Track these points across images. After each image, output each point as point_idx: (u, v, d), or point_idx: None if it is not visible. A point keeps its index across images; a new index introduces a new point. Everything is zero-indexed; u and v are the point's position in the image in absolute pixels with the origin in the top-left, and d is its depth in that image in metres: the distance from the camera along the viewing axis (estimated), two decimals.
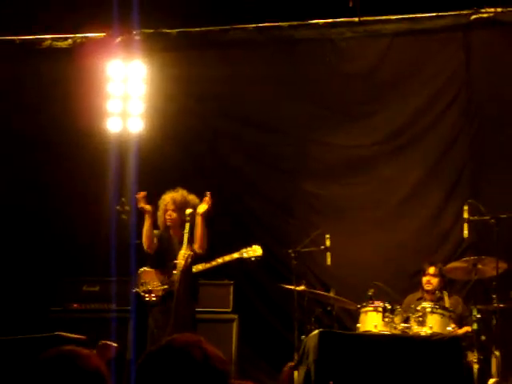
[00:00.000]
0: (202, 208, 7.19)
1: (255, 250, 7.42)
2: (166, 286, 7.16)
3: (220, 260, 7.34)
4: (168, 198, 7.36)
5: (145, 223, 7.34)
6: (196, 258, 7.19)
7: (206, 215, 7.23)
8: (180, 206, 7.26)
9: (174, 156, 9.39)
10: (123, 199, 8.54)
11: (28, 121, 9.43)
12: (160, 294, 7.17)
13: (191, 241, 7.12)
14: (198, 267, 7.21)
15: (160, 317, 7.08)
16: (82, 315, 8.35)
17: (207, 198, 7.24)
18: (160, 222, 7.42)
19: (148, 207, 7.30)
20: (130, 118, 9.24)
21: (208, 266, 7.29)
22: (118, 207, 8.45)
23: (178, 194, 7.40)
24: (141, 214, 7.74)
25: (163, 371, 1.88)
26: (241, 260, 7.45)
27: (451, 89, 9.39)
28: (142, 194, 7.39)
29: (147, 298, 7.19)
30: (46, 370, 2.18)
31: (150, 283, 7.24)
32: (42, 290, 8.77)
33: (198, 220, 7.16)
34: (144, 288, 7.24)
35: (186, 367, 1.90)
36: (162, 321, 7.03)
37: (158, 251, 7.36)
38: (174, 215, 7.29)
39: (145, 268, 7.38)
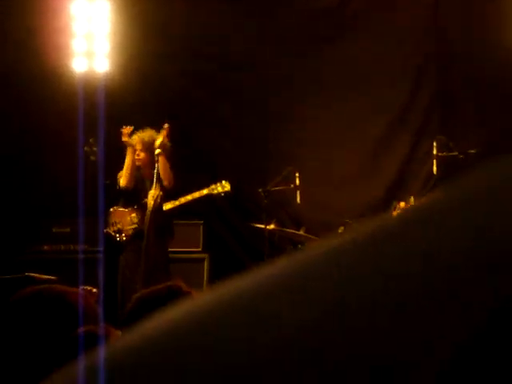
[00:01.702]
0: (158, 141, 7.13)
1: (224, 186, 7.43)
2: (136, 226, 7.13)
3: (189, 197, 7.32)
4: (136, 139, 7.30)
5: (127, 158, 7.26)
6: (167, 196, 7.17)
7: (163, 147, 7.14)
8: (147, 146, 7.21)
9: (140, 96, 9.28)
10: (91, 140, 8.46)
11: None
12: (130, 233, 7.15)
13: (160, 180, 7.09)
14: (168, 205, 7.18)
15: (131, 256, 7.08)
16: (53, 256, 8.31)
17: (164, 131, 7.18)
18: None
19: (131, 141, 7.22)
20: (96, 58, 9.09)
21: (177, 203, 7.26)
22: (85, 148, 8.36)
23: (146, 134, 7.34)
24: (110, 154, 7.69)
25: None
26: (210, 196, 7.46)
27: (420, 27, 9.38)
28: (128, 128, 7.30)
29: (118, 238, 7.18)
30: (24, 308, 2.15)
31: (121, 223, 7.21)
32: (10, 232, 8.70)
33: (161, 157, 7.12)
34: (114, 228, 7.21)
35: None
36: (132, 261, 7.04)
37: (128, 191, 7.32)
38: (142, 155, 7.24)
39: (115, 208, 7.34)
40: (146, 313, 1.82)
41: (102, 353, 0.46)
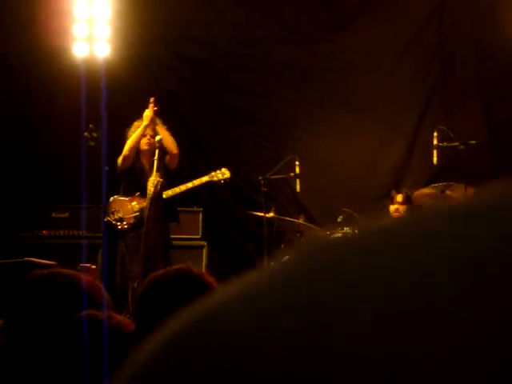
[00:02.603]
0: (148, 113, 7.11)
1: (224, 173, 7.45)
2: (137, 214, 7.11)
3: (189, 184, 7.33)
4: (146, 113, 7.23)
5: (139, 131, 7.17)
6: (172, 175, 7.17)
7: (150, 119, 7.12)
8: (155, 133, 7.18)
9: (141, 81, 9.26)
10: (91, 125, 8.43)
11: None
12: (131, 221, 7.13)
13: (161, 168, 7.07)
14: (168, 193, 7.16)
15: (131, 243, 7.07)
16: (51, 241, 8.31)
17: (151, 104, 7.15)
18: None
19: (152, 117, 7.15)
20: (97, 42, 9.06)
21: (177, 190, 7.26)
22: (85, 133, 8.34)
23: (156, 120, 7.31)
24: (110, 140, 7.67)
25: (173, 299, 1.85)
26: (210, 183, 7.48)
27: (425, 10, 9.39)
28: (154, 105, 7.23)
29: (119, 227, 7.15)
30: (35, 290, 2.16)
31: (121, 211, 7.18)
32: (9, 217, 8.69)
33: (159, 127, 7.13)
34: (115, 216, 7.18)
35: (199, 294, 1.87)
36: (132, 247, 7.03)
37: (129, 178, 7.29)
38: (152, 140, 7.20)
39: (115, 196, 7.32)
40: (157, 296, 1.83)
41: None
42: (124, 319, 2.06)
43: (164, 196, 7.08)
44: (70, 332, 1.96)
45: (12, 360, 2.08)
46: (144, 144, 7.22)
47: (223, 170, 7.46)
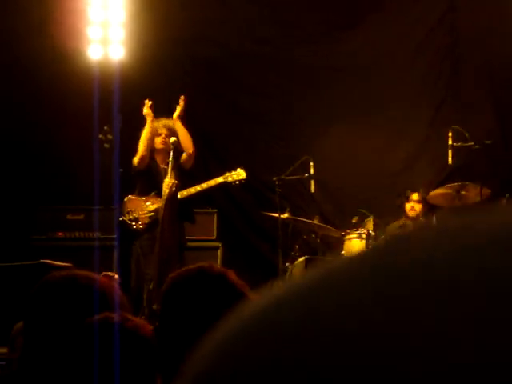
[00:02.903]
0: (177, 112, 7.19)
1: (239, 174, 7.36)
2: (152, 214, 7.09)
3: (204, 185, 7.26)
4: (160, 124, 7.27)
5: (144, 131, 7.21)
6: (187, 175, 7.18)
7: (182, 117, 7.20)
8: (170, 133, 7.18)
9: (155, 83, 9.27)
10: (106, 127, 8.47)
11: (4, 47, 9.25)
12: (147, 221, 7.11)
13: (176, 169, 7.06)
14: (183, 193, 7.14)
15: (146, 244, 7.07)
16: (67, 243, 8.33)
17: (182, 102, 7.21)
18: None
19: (151, 114, 7.21)
20: (111, 45, 9.09)
21: (192, 191, 7.21)
22: (100, 136, 8.37)
23: (170, 121, 7.32)
24: (124, 142, 7.68)
25: (197, 297, 1.84)
26: (225, 184, 7.42)
27: (437, 12, 9.38)
28: (149, 101, 7.30)
29: (134, 227, 7.14)
30: (54, 291, 2.16)
31: (136, 211, 7.17)
32: (25, 219, 8.72)
33: (178, 124, 7.14)
34: (130, 216, 7.16)
35: (222, 292, 1.86)
36: (147, 248, 7.03)
37: (144, 178, 7.28)
38: (167, 139, 7.20)
39: (130, 196, 7.31)
40: (179, 293, 1.82)
41: None
42: (140, 321, 2.06)
43: (179, 196, 7.07)
44: (85, 335, 1.97)
45: (32, 363, 2.09)
46: (159, 143, 7.23)
47: (238, 170, 7.39)
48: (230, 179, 7.33)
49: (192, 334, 1.80)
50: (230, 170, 7.40)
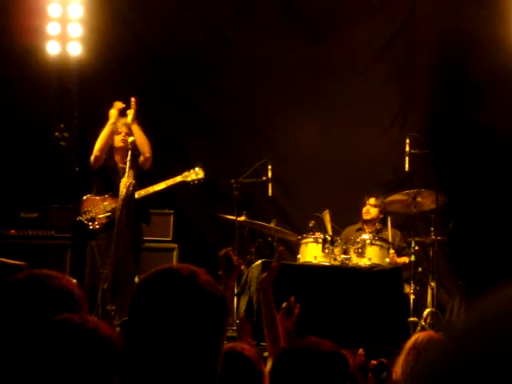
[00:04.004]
0: (131, 116, 7.07)
1: (198, 173, 7.32)
2: (109, 214, 7.02)
3: (163, 184, 7.19)
4: (120, 123, 7.17)
5: (105, 130, 7.09)
6: (145, 175, 7.11)
7: (138, 118, 7.11)
8: (130, 132, 7.10)
9: (113, 81, 9.19)
10: (62, 125, 8.35)
11: None
12: (104, 221, 7.02)
13: (133, 168, 7.00)
14: (141, 192, 7.06)
15: (102, 243, 6.98)
16: (20, 241, 8.21)
17: (134, 105, 7.10)
18: None
19: (116, 116, 7.10)
20: (70, 42, 8.98)
21: (150, 190, 7.14)
22: (56, 133, 8.26)
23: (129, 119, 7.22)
24: (82, 141, 7.61)
25: (166, 298, 1.82)
26: (184, 183, 7.35)
27: (397, 20, 9.50)
28: (121, 104, 7.17)
29: (91, 227, 7.06)
30: (17, 292, 2.14)
31: (93, 211, 7.08)
32: None
33: (135, 127, 7.05)
34: (87, 216, 7.07)
35: (191, 293, 1.83)
36: (103, 247, 6.95)
37: (102, 177, 7.19)
38: (127, 137, 7.11)
39: (88, 196, 7.21)
40: (147, 296, 1.79)
41: None
42: (101, 322, 2.04)
43: (137, 196, 7.00)
44: (47, 336, 1.95)
45: None
46: (119, 141, 7.14)
47: (197, 169, 7.35)
48: (188, 179, 7.30)
49: (160, 335, 1.78)
50: (188, 169, 7.36)
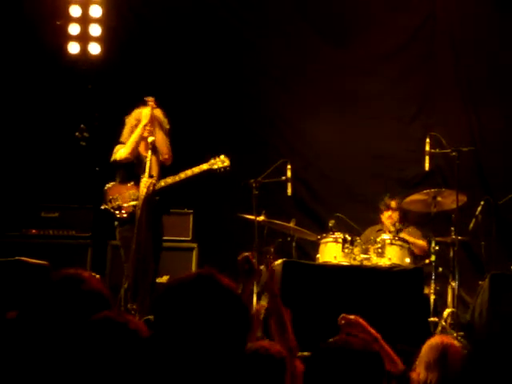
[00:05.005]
0: (146, 114, 7.00)
1: (224, 161, 7.16)
2: (135, 202, 6.91)
3: (189, 172, 7.01)
4: (145, 112, 7.04)
5: (138, 131, 6.98)
6: (166, 170, 7.05)
7: (150, 118, 7.03)
8: (153, 122, 7.03)
9: (133, 80, 9.21)
10: (82, 125, 8.39)
11: None
12: (131, 210, 6.88)
13: (156, 165, 6.98)
14: (167, 180, 6.97)
15: (127, 235, 6.82)
16: (41, 241, 8.25)
17: (151, 103, 7.04)
18: (128, 138, 7.07)
19: (149, 114, 7.00)
20: (89, 42, 9.03)
21: (177, 178, 6.99)
22: (76, 133, 8.29)
23: (158, 111, 7.15)
24: (101, 141, 7.63)
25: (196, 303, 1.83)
26: (210, 171, 7.13)
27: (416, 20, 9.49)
28: (152, 103, 7.10)
29: (118, 215, 6.94)
30: (54, 292, 2.16)
31: (119, 198, 6.93)
32: None
33: (157, 130, 7.00)
34: (113, 204, 6.92)
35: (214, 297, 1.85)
36: (128, 241, 6.76)
37: (125, 166, 7.08)
38: (151, 129, 7.02)
39: (112, 183, 7.05)
40: (174, 300, 1.80)
41: None
42: (140, 323, 2.05)
43: (163, 184, 6.93)
44: (89, 333, 1.96)
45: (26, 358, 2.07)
46: (144, 132, 7.00)
47: (222, 157, 7.17)
48: (215, 166, 7.10)
49: (186, 338, 1.79)
50: (214, 157, 7.19)
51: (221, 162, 7.13)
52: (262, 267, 7.65)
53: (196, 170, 7.05)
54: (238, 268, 3.54)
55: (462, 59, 9.35)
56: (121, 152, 6.99)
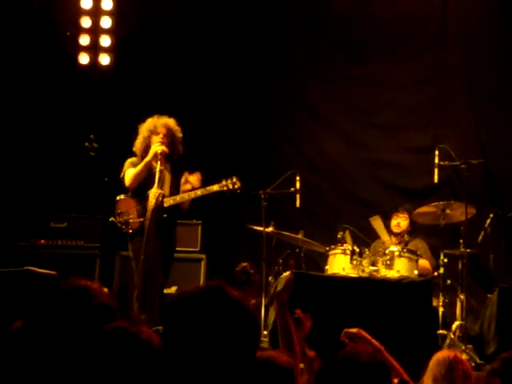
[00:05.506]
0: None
1: (235, 183, 7.07)
2: (142, 219, 6.88)
3: (199, 192, 6.96)
4: (159, 123, 6.97)
5: (143, 165, 6.90)
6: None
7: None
8: (168, 133, 6.98)
9: (143, 90, 9.24)
10: (92, 136, 8.43)
11: None
12: (137, 226, 6.90)
13: (172, 176, 6.99)
14: (176, 199, 6.90)
15: (138, 247, 6.80)
16: (49, 251, 8.27)
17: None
18: (140, 148, 7.03)
19: (155, 155, 6.89)
20: (100, 52, 9.08)
21: (186, 197, 6.98)
22: (86, 144, 8.33)
23: (170, 120, 7.08)
24: (110, 151, 7.65)
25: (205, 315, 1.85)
26: (220, 192, 7.08)
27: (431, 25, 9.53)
28: (163, 149, 7.08)
29: (124, 230, 6.93)
30: (62, 302, 2.16)
31: (127, 214, 6.92)
32: (8, 226, 8.64)
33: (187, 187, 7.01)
34: (120, 219, 6.90)
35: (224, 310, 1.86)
36: (139, 251, 6.79)
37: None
38: (165, 140, 6.95)
39: (122, 197, 7.05)
40: (183, 312, 1.81)
41: None
42: (152, 333, 2.06)
43: (172, 202, 6.93)
44: (102, 342, 1.97)
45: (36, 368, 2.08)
46: (160, 143, 6.92)
47: (234, 179, 7.10)
48: (225, 188, 7.04)
49: (195, 350, 1.80)
50: (226, 179, 7.15)
51: (232, 184, 7.03)
52: (270, 278, 7.71)
53: (207, 190, 6.97)
54: (235, 278, 3.55)
55: (472, 68, 9.35)
56: (128, 176, 6.96)
